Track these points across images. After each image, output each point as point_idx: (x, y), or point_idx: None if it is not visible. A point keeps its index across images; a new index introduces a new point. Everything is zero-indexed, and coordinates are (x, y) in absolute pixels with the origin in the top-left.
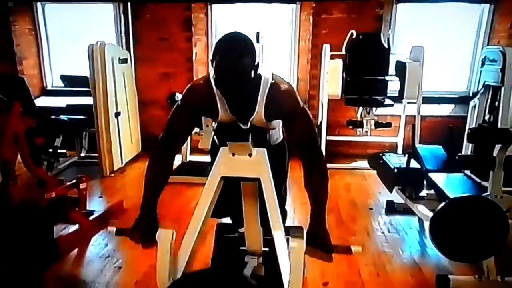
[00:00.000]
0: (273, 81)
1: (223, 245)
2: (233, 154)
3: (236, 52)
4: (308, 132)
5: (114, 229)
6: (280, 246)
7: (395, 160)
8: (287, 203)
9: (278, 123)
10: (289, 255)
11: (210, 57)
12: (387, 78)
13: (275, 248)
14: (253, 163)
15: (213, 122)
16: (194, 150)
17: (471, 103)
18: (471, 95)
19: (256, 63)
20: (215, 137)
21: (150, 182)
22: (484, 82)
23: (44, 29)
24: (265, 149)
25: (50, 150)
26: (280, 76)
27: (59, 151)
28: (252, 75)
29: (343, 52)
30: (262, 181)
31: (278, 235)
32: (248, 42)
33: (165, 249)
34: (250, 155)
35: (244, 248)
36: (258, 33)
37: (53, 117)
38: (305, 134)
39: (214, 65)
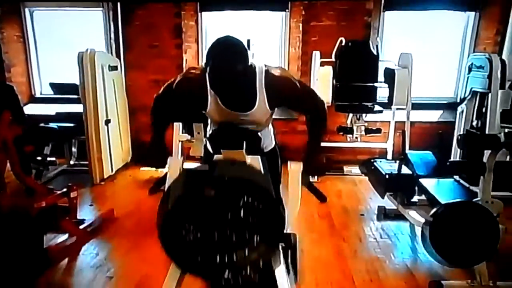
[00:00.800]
0: (266, 69)
1: None
2: None
3: (229, 55)
4: (314, 103)
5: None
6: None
7: (387, 166)
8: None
9: (269, 128)
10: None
11: (203, 62)
12: (376, 84)
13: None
14: None
15: (208, 129)
16: (186, 157)
17: (459, 109)
18: (458, 101)
19: (249, 64)
20: (208, 144)
21: (154, 123)
22: (471, 88)
23: (33, 36)
24: (259, 157)
25: (39, 158)
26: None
27: (48, 159)
28: (246, 75)
29: (333, 59)
30: None
31: None
32: (240, 45)
33: (174, 175)
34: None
35: None
36: (248, 40)
37: (42, 125)
38: (311, 106)
39: (208, 70)
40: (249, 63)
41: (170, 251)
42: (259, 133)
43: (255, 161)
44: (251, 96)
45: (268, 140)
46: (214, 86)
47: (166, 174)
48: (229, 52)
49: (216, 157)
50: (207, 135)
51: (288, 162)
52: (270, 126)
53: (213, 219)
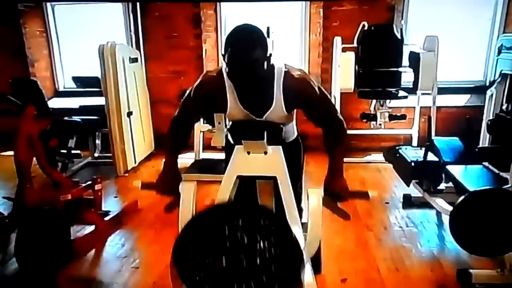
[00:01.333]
0: (286, 70)
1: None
2: (248, 153)
3: (248, 42)
4: (330, 114)
5: (139, 183)
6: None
7: (412, 153)
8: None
9: (292, 117)
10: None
11: (222, 51)
12: (400, 69)
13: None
14: (269, 162)
15: (227, 120)
16: (207, 147)
17: (488, 93)
18: (487, 84)
19: (268, 54)
20: (229, 135)
21: (169, 147)
22: (501, 70)
23: (55, 31)
24: (280, 147)
25: (64, 151)
26: (291, 65)
27: (73, 152)
28: (265, 66)
29: (355, 44)
30: (279, 179)
31: (296, 230)
32: (259, 32)
33: (188, 198)
34: (265, 153)
35: None
36: (268, 28)
37: (66, 118)
38: (328, 115)
39: (226, 58)
40: (269, 53)
41: (184, 279)
42: (280, 125)
43: (276, 151)
44: (268, 96)
45: (290, 131)
46: (232, 75)
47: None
48: (248, 38)
49: (237, 148)
50: (228, 126)
51: (308, 190)
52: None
53: (229, 250)
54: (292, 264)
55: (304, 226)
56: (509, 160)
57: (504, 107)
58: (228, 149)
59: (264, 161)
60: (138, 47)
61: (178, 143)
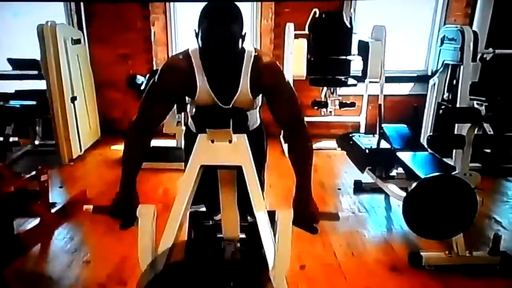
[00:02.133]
0: (256, 54)
1: (199, 233)
2: (212, 141)
3: (226, 16)
4: (293, 109)
5: (91, 207)
6: (263, 227)
7: (365, 141)
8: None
9: (258, 102)
10: (274, 226)
11: (195, 28)
12: (350, 57)
13: (253, 233)
14: (234, 150)
15: (190, 108)
16: (157, 134)
17: (431, 82)
18: (430, 73)
19: (243, 32)
20: (190, 123)
21: (127, 161)
22: (443, 60)
23: None
24: (245, 135)
25: (1, 139)
26: (261, 50)
27: (10, 139)
28: (240, 45)
29: (306, 31)
30: (244, 168)
31: (261, 216)
32: (237, 8)
33: (147, 225)
34: (230, 141)
35: (220, 235)
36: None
37: (1, 103)
38: (289, 111)
39: (200, 33)
40: (244, 32)
41: None
42: (246, 112)
43: (241, 140)
44: (236, 79)
45: (254, 118)
46: (205, 52)
47: None
48: (227, 12)
49: (200, 136)
50: (190, 114)
51: (276, 211)
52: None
53: None
54: None
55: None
56: (457, 148)
57: (445, 96)
58: (188, 138)
59: (229, 150)
60: (80, 28)
61: (138, 157)
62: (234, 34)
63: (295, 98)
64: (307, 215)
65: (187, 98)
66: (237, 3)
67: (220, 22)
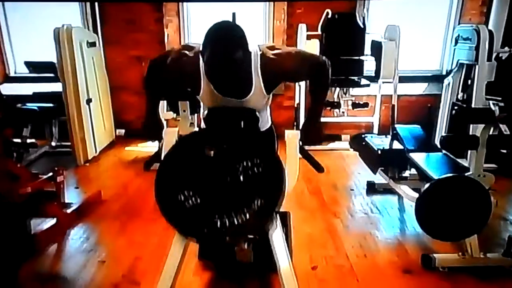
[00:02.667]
0: (261, 52)
1: None
2: None
3: (228, 46)
4: (312, 66)
5: (123, 131)
6: (276, 235)
7: (378, 141)
8: None
9: (269, 103)
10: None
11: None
12: (363, 58)
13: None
14: None
15: (202, 108)
16: None
17: (445, 81)
18: (444, 73)
19: (247, 50)
20: (203, 124)
21: (150, 90)
22: (458, 60)
23: (3, 13)
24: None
25: (19, 140)
26: (264, 44)
27: (28, 141)
28: (243, 63)
29: (319, 32)
30: None
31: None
32: (239, 33)
33: (170, 142)
34: None
35: None
36: (234, 14)
37: (20, 106)
38: (311, 71)
39: (205, 58)
40: (249, 51)
41: (167, 214)
42: (256, 113)
43: None
44: (247, 82)
45: (265, 119)
46: (209, 75)
47: (159, 150)
48: (228, 42)
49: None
50: (202, 116)
51: (285, 131)
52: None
53: (211, 180)
54: (276, 181)
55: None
56: (471, 148)
57: (459, 96)
58: None
59: None
60: (95, 31)
61: (157, 91)
62: (236, 63)
63: (305, 56)
64: (314, 132)
65: (198, 97)
66: (253, 3)
67: (221, 54)
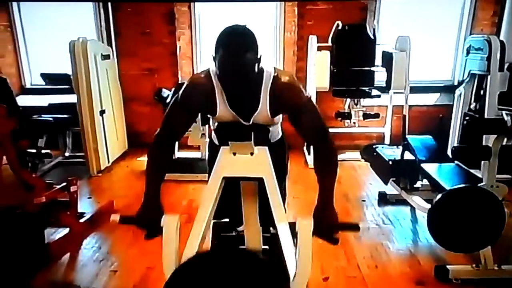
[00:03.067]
0: (275, 74)
1: (222, 245)
2: (234, 154)
3: (240, 46)
4: (316, 124)
5: (118, 217)
6: (284, 238)
7: (389, 152)
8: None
9: (279, 119)
10: (296, 237)
11: (212, 53)
12: (373, 68)
13: (275, 244)
14: (256, 162)
15: (212, 121)
16: (182, 146)
17: (457, 92)
18: (456, 83)
19: (259, 56)
20: (213, 136)
21: (151, 173)
22: (470, 70)
23: (20, 25)
24: (266, 147)
25: (34, 151)
26: (281, 69)
27: (43, 151)
28: (256, 69)
29: (330, 43)
30: (266, 180)
31: (283, 228)
32: (251, 35)
33: (171, 235)
34: (252, 154)
35: (243, 246)
36: (245, 26)
37: (35, 117)
38: (313, 126)
39: (217, 61)
40: (260, 55)
41: None
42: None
43: (263, 152)
44: (255, 99)
45: (276, 131)
46: (222, 78)
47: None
48: (241, 41)
49: (222, 149)
50: (213, 127)
51: (297, 219)
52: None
53: None
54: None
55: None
56: (483, 159)
57: (472, 106)
58: (211, 150)
59: (251, 162)
60: (109, 44)
61: (163, 167)
62: (247, 64)
63: (317, 113)
64: (327, 224)
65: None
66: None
67: (233, 53)
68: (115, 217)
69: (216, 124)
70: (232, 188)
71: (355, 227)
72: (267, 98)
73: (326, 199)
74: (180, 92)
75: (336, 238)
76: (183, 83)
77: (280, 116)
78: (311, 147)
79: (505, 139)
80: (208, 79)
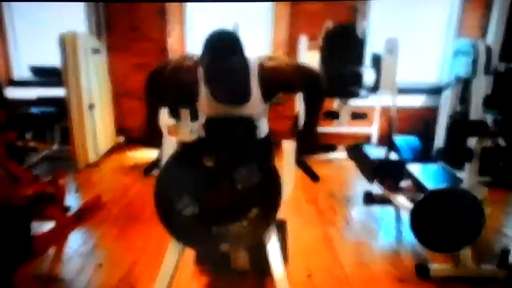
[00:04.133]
0: (260, 62)
1: None
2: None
3: (225, 53)
4: (308, 79)
5: (123, 138)
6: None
7: (375, 152)
8: None
9: (267, 112)
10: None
11: (194, 52)
12: (362, 69)
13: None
14: None
15: (200, 115)
16: None
17: (443, 94)
18: (442, 86)
19: (244, 56)
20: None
21: (149, 97)
22: (456, 73)
23: (11, 17)
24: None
25: (20, 144)
26: (263, 55)
27: (30, 144)
28: (241, 71)
29: (320, 43)
30: None
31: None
32: (236, 39)
33: (170, 149)
34: None
35: None
36: (236, 23)
37: (24, 110)
38: (307, 83)
39: (202, 65)
40: (246, 58)
41: (164, 221)
42: (254, 122)
43: None
44: (245, 91)
45: (264, 127)
46: (208, 81)
47: (159, 156)
48: (225, 48)
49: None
50: (200, 124)
51: (282, 141)
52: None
53: (209, 189)
54: (273, 190)
55: None
56: (465, 161)
57: (458, 109)
58: None
59: None
60: (99, 38)
61: (157, 99)
62: (234, 71)
63: (306, 69)
64: (309, 144)
65: (197, 105)
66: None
67: (218, 57)
68: (120, 139)
69: (204, 120)
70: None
71: (332, 147)
72: (258, 86)
73: (310, 124)
74: (168, 66)
75: (317, 175)
76: None
77: (268, 106)
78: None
79: (489, 142)
80: (195, 67)
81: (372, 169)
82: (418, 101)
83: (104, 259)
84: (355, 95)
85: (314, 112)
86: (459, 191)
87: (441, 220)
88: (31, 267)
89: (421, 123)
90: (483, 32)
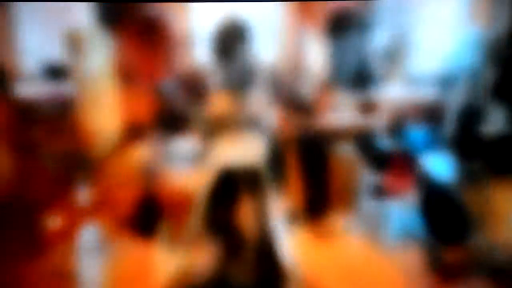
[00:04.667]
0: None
1: None
2: None
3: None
4: None
5: None
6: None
7: (384, 143)
8: None
9: None
10: None
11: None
12: (370, 59)
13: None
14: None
15: None
16: None
17: (452, 84)
18: (451, 75)
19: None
20: None
21: None
22: (465, 63)
23: (17, 12)
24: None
25: None
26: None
27: None
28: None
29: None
30: None
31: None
32: (246, 29)
33: None
34: None
35: None
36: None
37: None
38: None
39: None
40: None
41: None
42: None
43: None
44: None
45: None
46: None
47: None
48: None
49: None
50: None
51: None
52: None
53: None
54: None
55: None
56: (472, 150)
57: (467, 99)
58: None
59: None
60: (104, 31)
61: None
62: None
63: None
64: None
65: None
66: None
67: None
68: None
69: None
70: None
71: None
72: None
73: None
74: None
75: None
76: None
77: None
78: None
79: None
80: None
81: (381, 161)
82: (427, 91)
83: (107, 255)
84: (363, 86)
85: None
86: (469, 181)
87: (452, 210)
88: (42, 262)
89: (430, 113)
90: (493, 21)
